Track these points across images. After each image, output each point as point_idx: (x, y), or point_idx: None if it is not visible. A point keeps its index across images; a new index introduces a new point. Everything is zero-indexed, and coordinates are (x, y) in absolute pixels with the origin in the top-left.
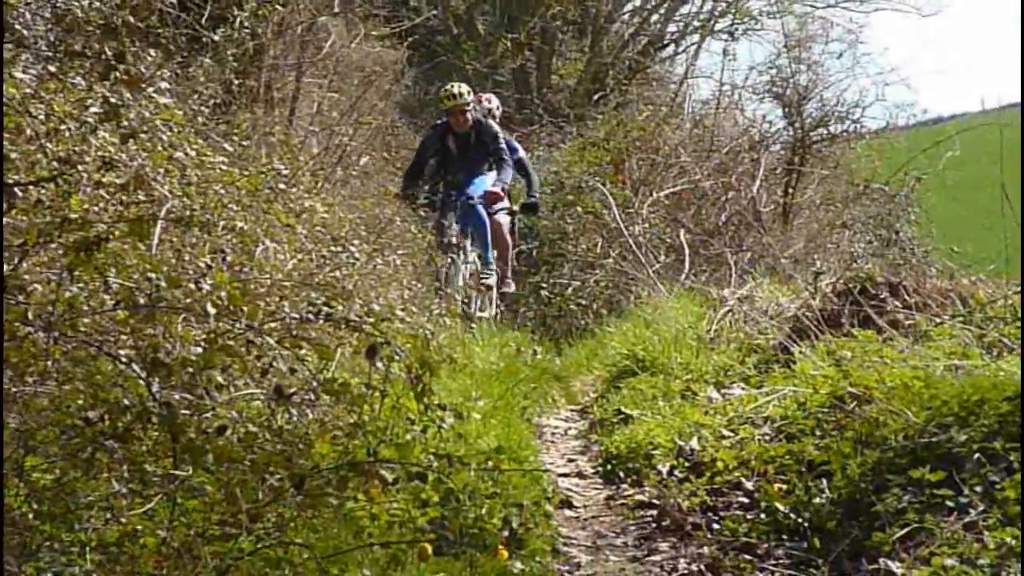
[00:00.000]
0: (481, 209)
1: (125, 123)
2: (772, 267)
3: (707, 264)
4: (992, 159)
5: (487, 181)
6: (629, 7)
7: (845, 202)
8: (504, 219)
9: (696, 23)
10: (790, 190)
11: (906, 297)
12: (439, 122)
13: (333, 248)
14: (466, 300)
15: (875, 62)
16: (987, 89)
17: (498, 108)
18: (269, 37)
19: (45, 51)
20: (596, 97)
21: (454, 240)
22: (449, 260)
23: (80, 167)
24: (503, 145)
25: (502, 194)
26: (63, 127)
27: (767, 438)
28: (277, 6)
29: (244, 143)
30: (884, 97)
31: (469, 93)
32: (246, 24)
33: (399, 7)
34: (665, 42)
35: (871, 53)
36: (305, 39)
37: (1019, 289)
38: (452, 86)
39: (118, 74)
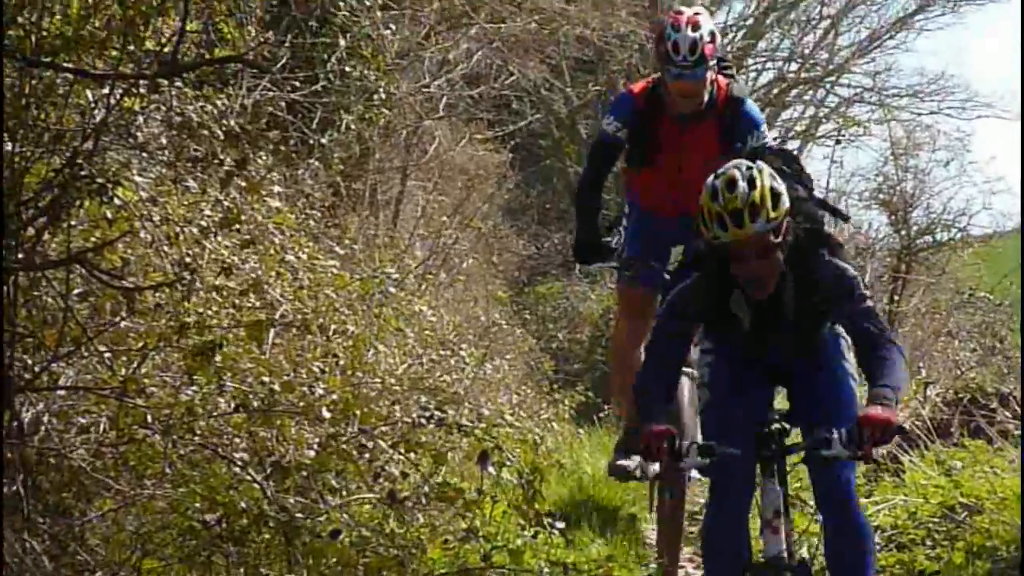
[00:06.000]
0: None
1: (241, 228)
2: None
3: None
4: None
5: None
6: None
7: (950, 310)
8: None
9: (798, 128)
10: (896, 297)
11: (1016, 407)
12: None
13: (442, 352)
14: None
15: (982, 170)
16: None
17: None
18: (376, 140)
19: (161, 156)
20: None
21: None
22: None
23: (197, 271)
24: (766, 134)
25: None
26: (178, 231)
27: (878, 548)
28: (383, 110)
29: (354, 246)
30: (990, 205)
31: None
32: (353, 127)
33: (502, 111)
34: None
35: (978, 161)
36: (410, 142)
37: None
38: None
39: (239, 180)
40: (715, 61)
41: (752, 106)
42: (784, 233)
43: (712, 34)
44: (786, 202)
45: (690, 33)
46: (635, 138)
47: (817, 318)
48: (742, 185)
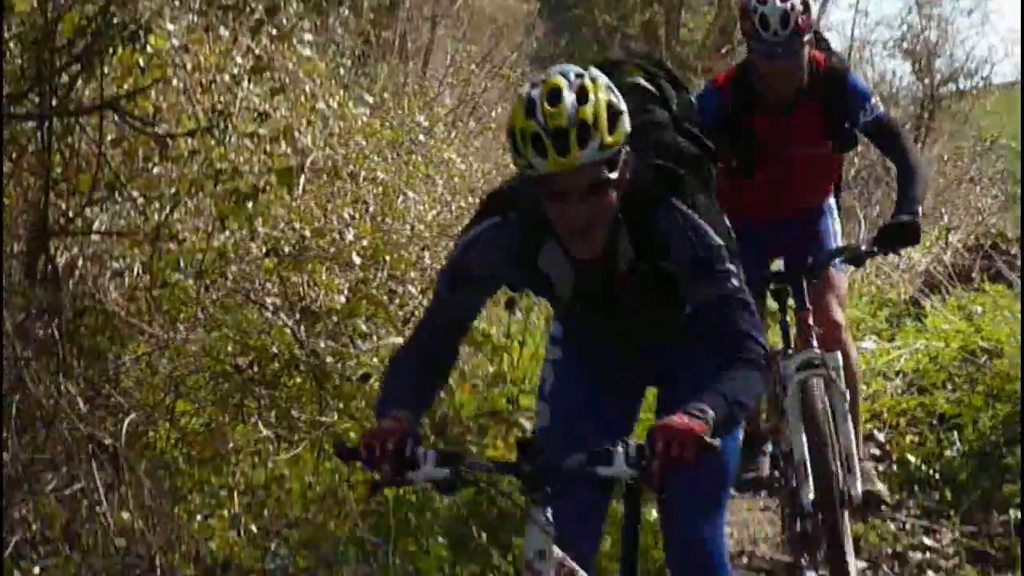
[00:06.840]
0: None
1: (272, 76)
2: None
3: None
4: None
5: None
6: None
7: (972, 157)
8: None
9: None
10: (919, 145)
11: None
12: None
13: (471, 199)
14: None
15: (1005, 19)
16: None
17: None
18: None
19: (192, 3)
20: (724, 50)
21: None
22: None
23: (230, 118)
24: (879, 105)
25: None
26: (210, 78)
27: (899, 391)
28: None
29: (384, 94)
30: (1013, 53)
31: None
32: None
33: None
34: None
35: (1001, 10)
36: None
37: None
38: None
39: (269, 28)
40: (811, 34)
41: (856, 77)
42: (622, 168)
43: (805, 3)
44: (627, 124)
45: (779, 3)
46: (730, 141)
47: (668, 294)
48: (569, 97)
